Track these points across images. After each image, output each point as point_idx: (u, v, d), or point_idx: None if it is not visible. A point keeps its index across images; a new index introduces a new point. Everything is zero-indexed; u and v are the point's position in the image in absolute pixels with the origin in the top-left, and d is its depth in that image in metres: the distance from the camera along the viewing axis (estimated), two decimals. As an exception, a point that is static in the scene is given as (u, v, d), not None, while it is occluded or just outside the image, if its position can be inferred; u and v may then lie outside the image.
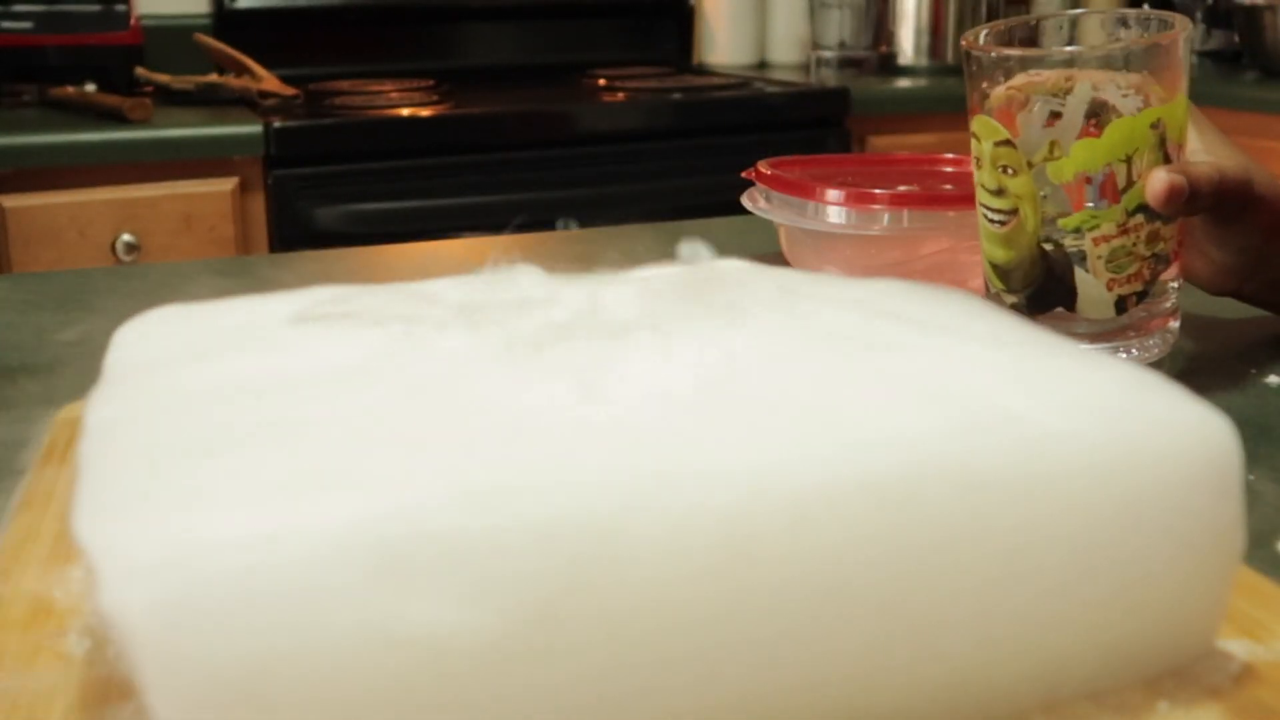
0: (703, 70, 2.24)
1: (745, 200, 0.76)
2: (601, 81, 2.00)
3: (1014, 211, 0.55)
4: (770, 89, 1.94)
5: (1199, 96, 0.57)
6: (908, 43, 2.25)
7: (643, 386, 0.31)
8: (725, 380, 0.31)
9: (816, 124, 1.87)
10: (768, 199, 0.75)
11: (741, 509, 0.27)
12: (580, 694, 0.26)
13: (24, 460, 0.47)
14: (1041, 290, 0.56)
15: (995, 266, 0.57)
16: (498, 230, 1.10)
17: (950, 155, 0.82)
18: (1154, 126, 0.53)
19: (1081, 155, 0.53)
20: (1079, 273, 0.55)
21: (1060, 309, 0.56)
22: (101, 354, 0.36)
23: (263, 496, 0.26)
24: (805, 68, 2.27)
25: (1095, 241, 0.54)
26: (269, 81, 1.74)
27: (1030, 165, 0.54)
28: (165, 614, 0.24)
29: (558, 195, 1.72)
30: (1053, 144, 0.53)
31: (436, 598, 0.25)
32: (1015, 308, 0.57)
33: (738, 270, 0.44)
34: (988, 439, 0.29)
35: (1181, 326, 0.59)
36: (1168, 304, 0.57)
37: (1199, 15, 2.29)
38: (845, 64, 2.21)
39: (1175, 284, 0.57)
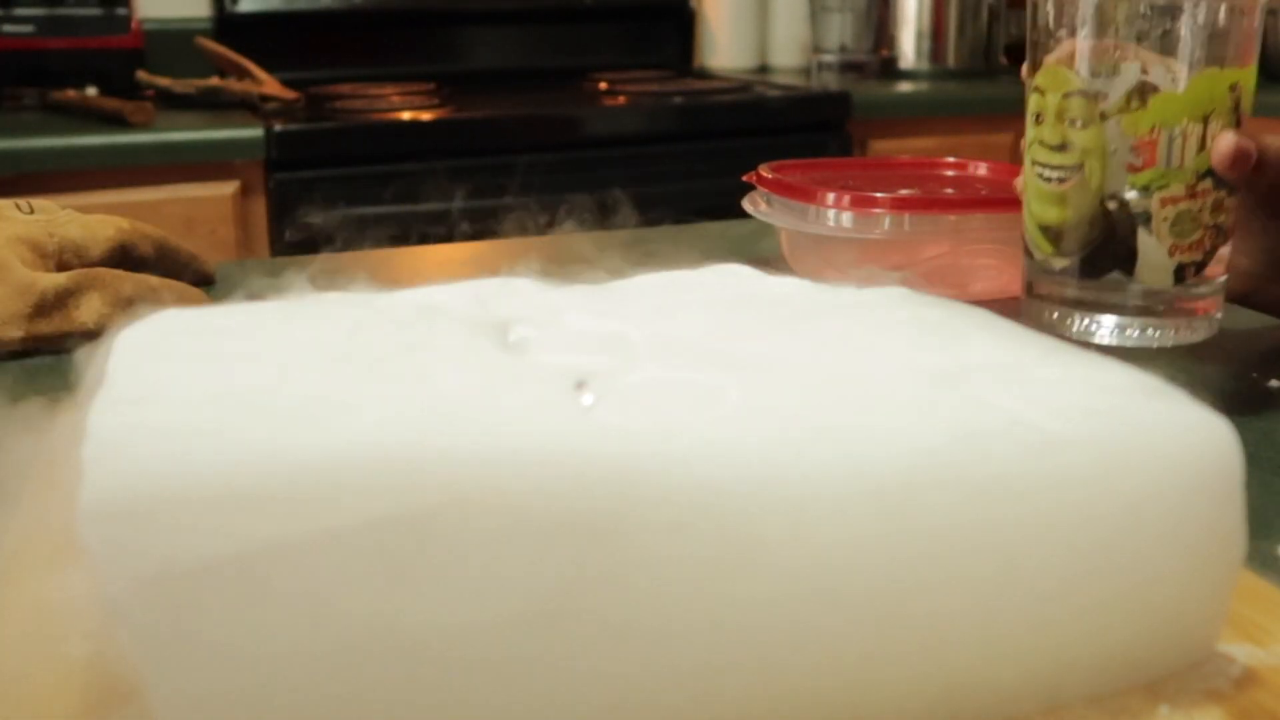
0: (704, 74, 2.24)
1: (746, 204, 0.76)
2: (603, 85, 2.00)
3: (1077, 168, 0.54)
4: (771, 93, 1.94)
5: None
6: (909, 46, 2.25)
7: (642, 390, 0.31)
8: (725, 384, 0.31)
9: (817, 128, 1.87)
10: (769, 202, 0.75)
11: (742, 512, 0.27)
12: (580, 694, 0.26)
13: (25, 463, 0.47)
14: (1098, 253, 0.55)
15: (1045, 229, 0.56)
16: (499, 234, 1.10)
17: (951, 159, 0.82)
18: (1232, 89, 0.52)
19: (1160, 109, 0.52)
20: (1141, 234, 0.53)
21: (1115, 274, 0.55)
22: (104, 356, 0.36)
23: (265, 498, 0.26)
24: (806, 71, 2.28)
25: (1162, 202, 0.53)
26: (270, 85, 1.74)
27: (1104, 117, 0.53)
28: (168, 616, 0.24)
29: (559, 199, 1.72)
30: (1130, 95, 0.52)
31: (437, 598, 0.25)
32: (1064, 273, 0.56)
33: (738, 274, 0.44)
34: (988, 443, 0.29)
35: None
36: (1217, 287, 0.56)
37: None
38: (846, 68, 2.22)
39: (1224, 278, 0.56)
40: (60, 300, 0.63)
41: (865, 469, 0.28)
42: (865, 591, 0.28)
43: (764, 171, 0.76)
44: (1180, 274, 0.54)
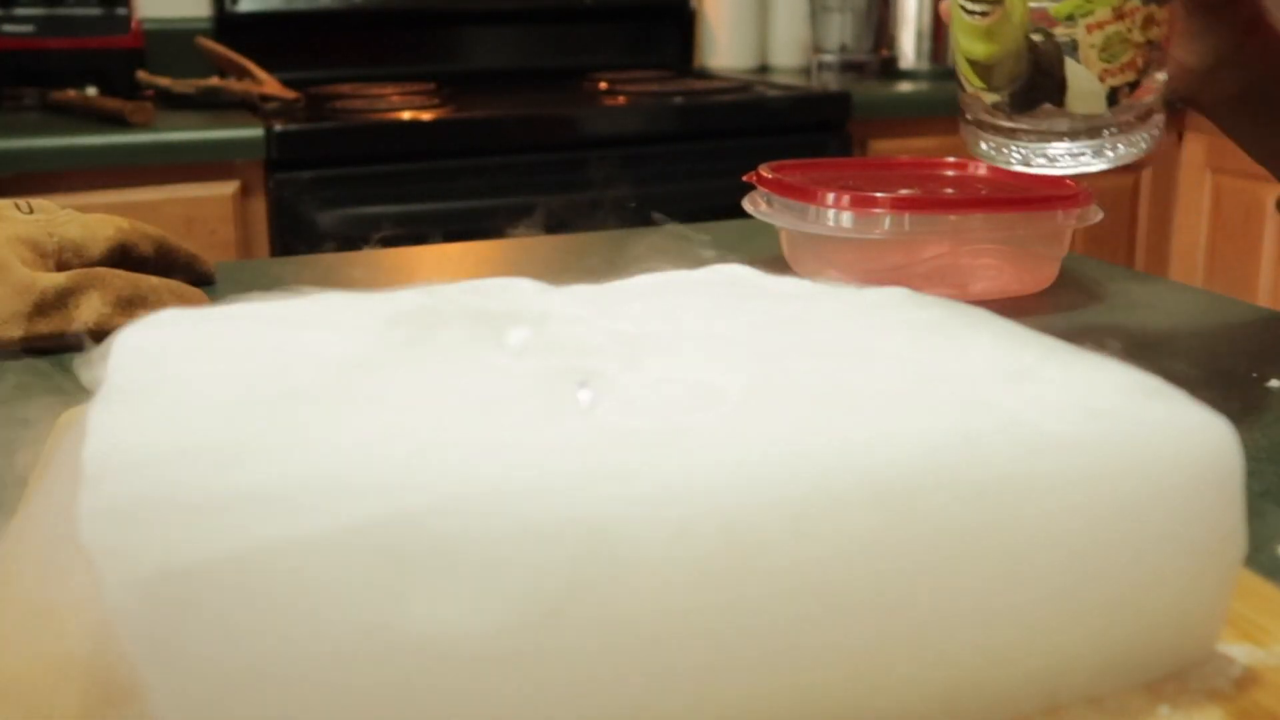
0: (704, 74, 2.24)
1: (746, 204, 0.76)
2: (603, 85, 2.00)
3: (998, 1, 0.52)
4: (771, 93, 1.94)
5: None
6: (909, 47, 2.25)
7: (642, 390, 0.31)
8: (725, 385, 0.31)
9: (818, 128, 1.87)
10: (769, 203, 0.75)
11: (742, 512, 0.27)
12: (580, 695, 0.26)
13: (25, 463, 0.47)
14: (1027, 86, 0.53)
15: (974, 64, 0.54)
16: (499, 234, 1.10)
17: (951, 159, 0.82)
18: None
19: None
20: (1069, 64, 0.52)
21: (1047, 105, 0.53)
22: (105, 357, 0.36)
23: (264, 498, 0.26)
24: (806, 71, 2.28)
25: (1089, 29, 0.51)
26: (270, 85, 1.74)
27: None
28: (167, 616, 0.24)
29: (559, 199, 1.72)
30: None
31: (438, 599, 0.25)
32: (997, 107, 0.54)
33: (738, 275, 0.44)
34: (988, 443, 0.29)
35: (1180, 331, 0.59)
36: (1155, 97, 0.54)
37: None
38: (846, 68, 2.22)
39: (1163, 75, 0.55)
40: (60, 300, 0.63)
41: (865, 469, 0.28)
42: (865, 592, 0.28)
43: (764, 171, 0.77)
44: (1114, 97, 0.53)
